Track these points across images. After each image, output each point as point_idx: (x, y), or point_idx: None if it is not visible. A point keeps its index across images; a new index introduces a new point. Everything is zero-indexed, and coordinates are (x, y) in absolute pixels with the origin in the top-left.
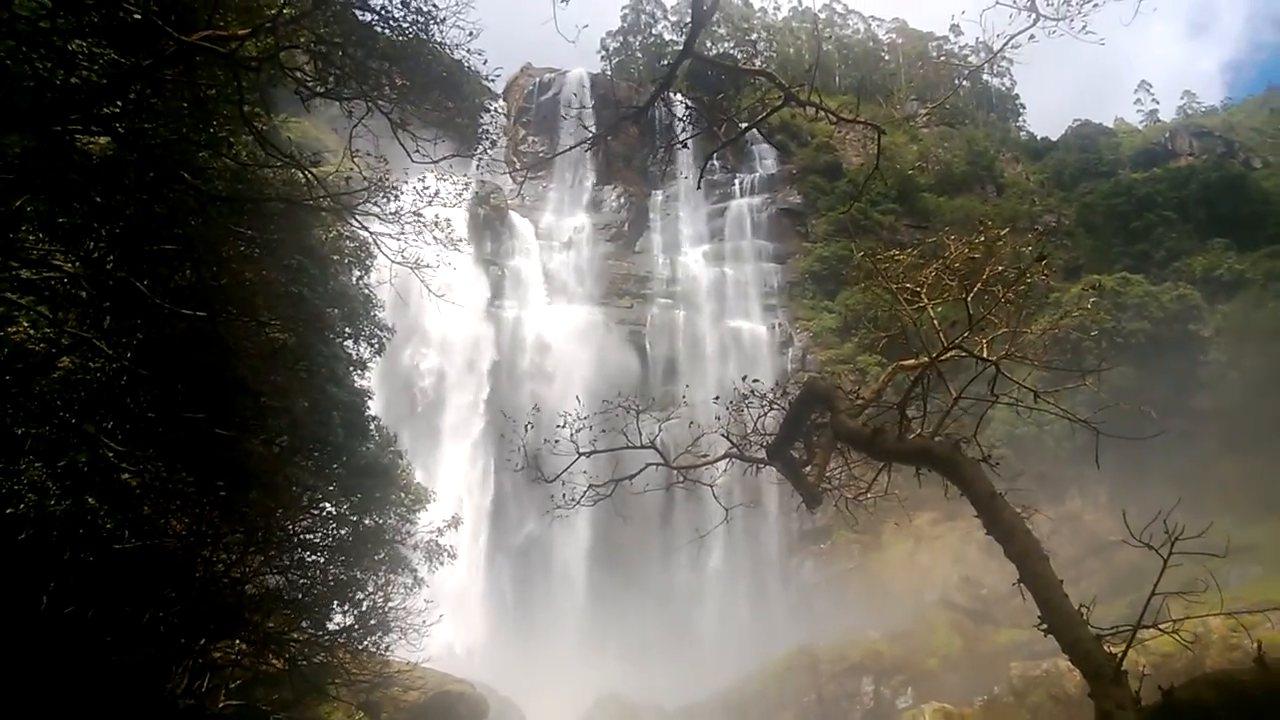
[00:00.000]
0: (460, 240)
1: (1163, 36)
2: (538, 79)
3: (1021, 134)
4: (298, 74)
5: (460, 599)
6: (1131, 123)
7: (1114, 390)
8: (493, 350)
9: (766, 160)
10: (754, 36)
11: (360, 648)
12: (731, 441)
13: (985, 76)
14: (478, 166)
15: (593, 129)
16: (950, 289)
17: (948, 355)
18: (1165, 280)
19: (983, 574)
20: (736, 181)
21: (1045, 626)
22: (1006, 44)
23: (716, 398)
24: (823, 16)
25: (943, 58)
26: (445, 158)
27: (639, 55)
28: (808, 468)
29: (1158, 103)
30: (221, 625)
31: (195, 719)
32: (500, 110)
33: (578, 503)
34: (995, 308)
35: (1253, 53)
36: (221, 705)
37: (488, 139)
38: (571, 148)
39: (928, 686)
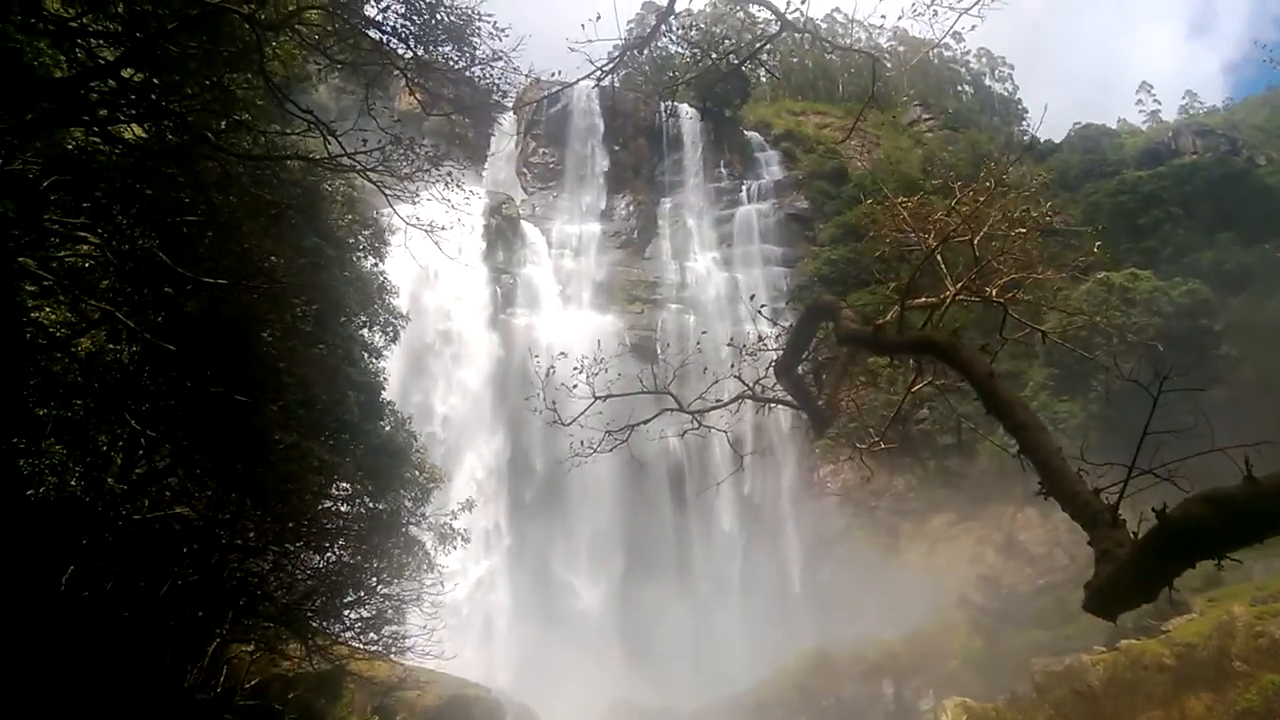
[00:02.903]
0: (473, 194)
1: (1163, 38)
2: (547, 92)
3: (1025, 137)
4: (316, 39)
5: (476, 603)
6: (1134, 124)
7: (1125, 386)
8: (502, 355)
9: (773, 167)
10: (756, 46)
11: (375, 638)
12: (744, 383)
13: (987, 81)
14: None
15: (600, 140)
16: (959, 231)
17: (958, 296)
18: (1174, 276)
19: (1001, 574)
20: (744, 188)
21: (1045, 490)
22: None
23: (730, 342)
24: (824, 27)
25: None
26: (465, 109)
27: (645, 68)
28: (820, 401)
29: (1159, 103)
30: (240, 602)
31: (212, 714)
32: (510, 123)
33: (594, 450)
34: (1002, 254)
35: (1254, 52)
36: (238, 703)
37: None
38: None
39: (949, 687)
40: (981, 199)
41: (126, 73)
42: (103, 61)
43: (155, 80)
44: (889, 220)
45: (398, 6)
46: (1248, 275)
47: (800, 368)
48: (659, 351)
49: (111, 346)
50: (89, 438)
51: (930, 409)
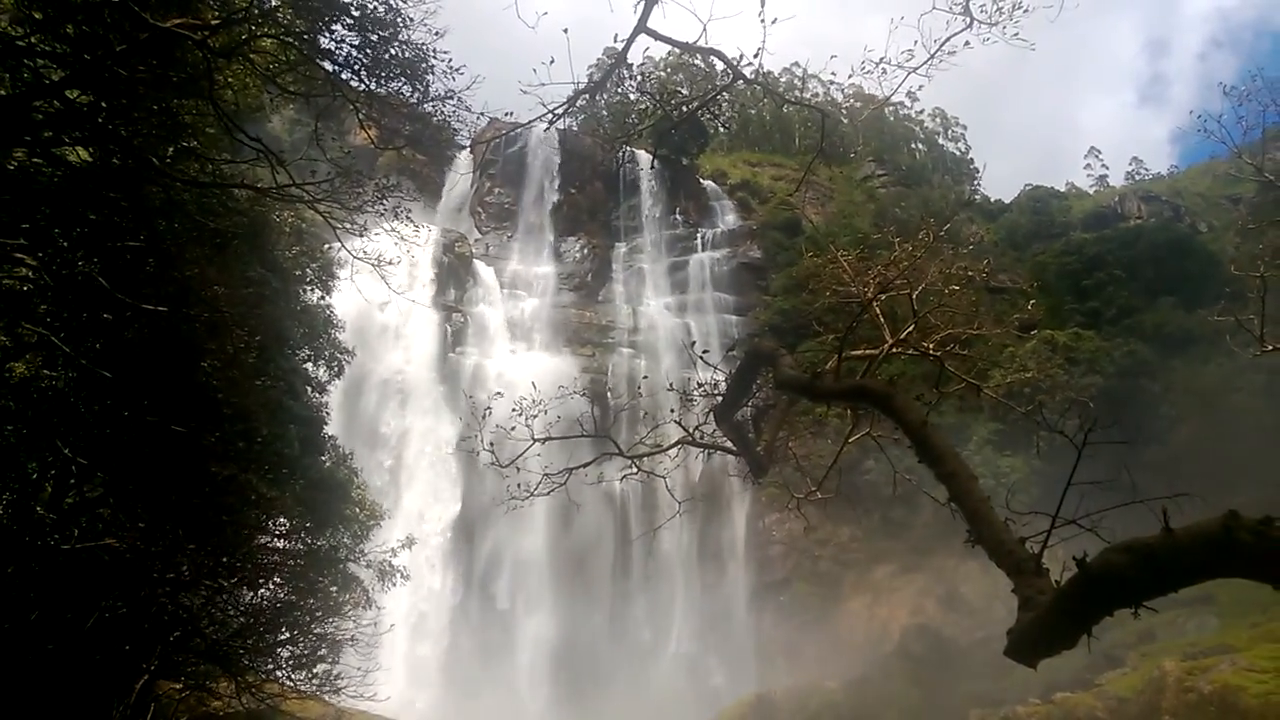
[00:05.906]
0: (424, 227)
1: (1113, 106)
2: (502, 132)
3: (976, 197)
4: (268, 68)
5: (418, 657)
6: (1082, 187)
7: (1066, 444)
8: (451, 392)
9: (728, 216)
10: (709, 95)
11: (308, 677)
12: (684, 428)
13: (941, 140)
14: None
15: (556, 182)
16: (897, 286)
17: (894, 348)
18: (1117, 336)
19: (941, 625)
20: (699, 235)
21: (973, 538)
22: (941, 46)
23: (670, 386)
24: (784, 81)
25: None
26: (419, 145)
27: (604, 113)
28: (759, 447)
29: (1107, 168)
30: (171, 637)
31: None
32: (466, 162)
33: (533, 493)
34: (939, 308)
35: (1200, 121)
36: None
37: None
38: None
39: None
40: (919, 254)
41: (73, 94)
42: (49, 82)
43: (102, 103)
44: (830, 272)
45: (351, 38)
46: (1188, 339)
47: (741, 413)
48: (609, 395)
49: (46, 372)
50: (19, 464)
51: (876, 460)
